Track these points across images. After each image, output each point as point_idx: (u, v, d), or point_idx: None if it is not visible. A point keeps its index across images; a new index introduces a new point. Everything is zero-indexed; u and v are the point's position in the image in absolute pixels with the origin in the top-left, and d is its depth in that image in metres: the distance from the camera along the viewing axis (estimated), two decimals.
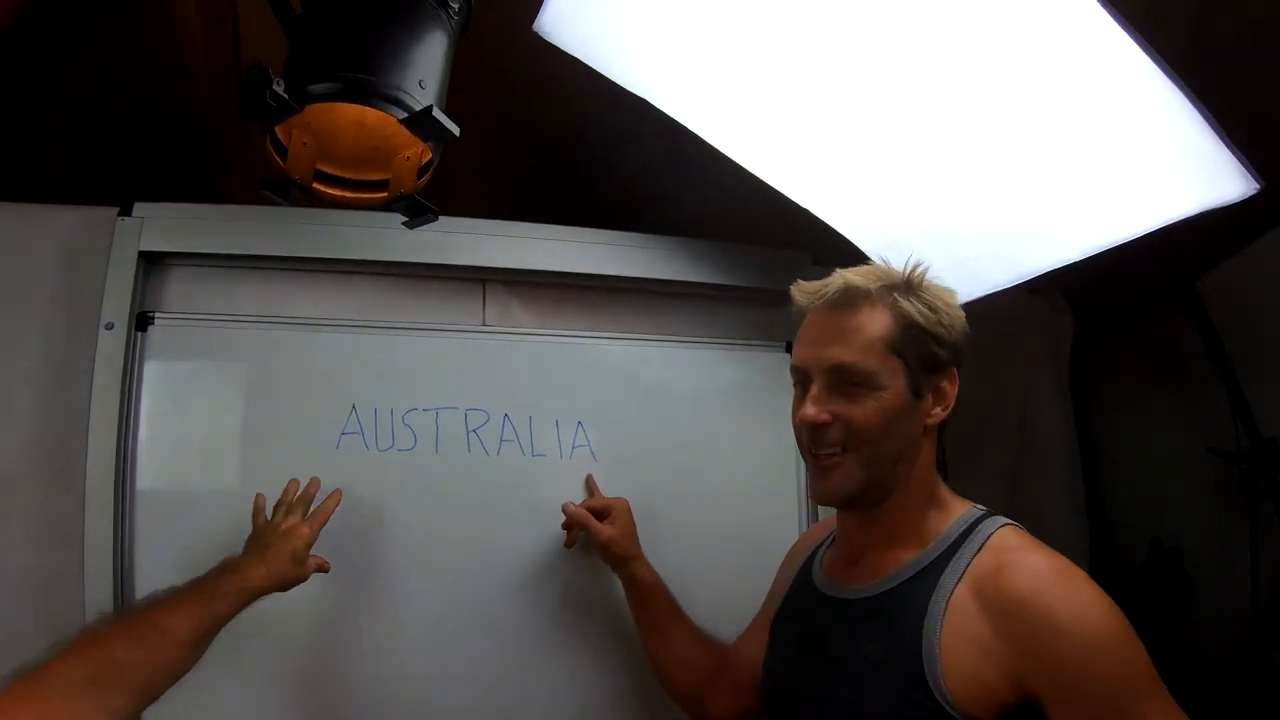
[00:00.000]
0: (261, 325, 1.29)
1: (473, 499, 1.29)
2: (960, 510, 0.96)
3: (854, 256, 1.31)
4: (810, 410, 0.93)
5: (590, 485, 1.34)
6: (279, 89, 0.77)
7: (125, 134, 1.49)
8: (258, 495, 1.18)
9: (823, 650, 0.97)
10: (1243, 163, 0.98)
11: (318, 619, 1.22)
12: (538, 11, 0.98)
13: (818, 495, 0.97)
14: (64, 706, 0.89)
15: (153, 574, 1.19)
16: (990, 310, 1.30)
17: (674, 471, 1.37)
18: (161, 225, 1.26)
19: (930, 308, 0.94)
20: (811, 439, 0.94)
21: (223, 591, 1.03)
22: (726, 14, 0.94)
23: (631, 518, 1.28)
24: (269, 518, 1.15)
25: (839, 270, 0.98)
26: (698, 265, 1.41)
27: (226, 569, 1.07)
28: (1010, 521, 0.94)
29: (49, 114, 1.47)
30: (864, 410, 0.91)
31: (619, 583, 1.27)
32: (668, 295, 1.44)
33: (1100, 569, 1.85)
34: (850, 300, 0.94)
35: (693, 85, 1.07)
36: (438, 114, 0.80)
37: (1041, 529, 1.71)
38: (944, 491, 0.98)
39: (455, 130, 0.82)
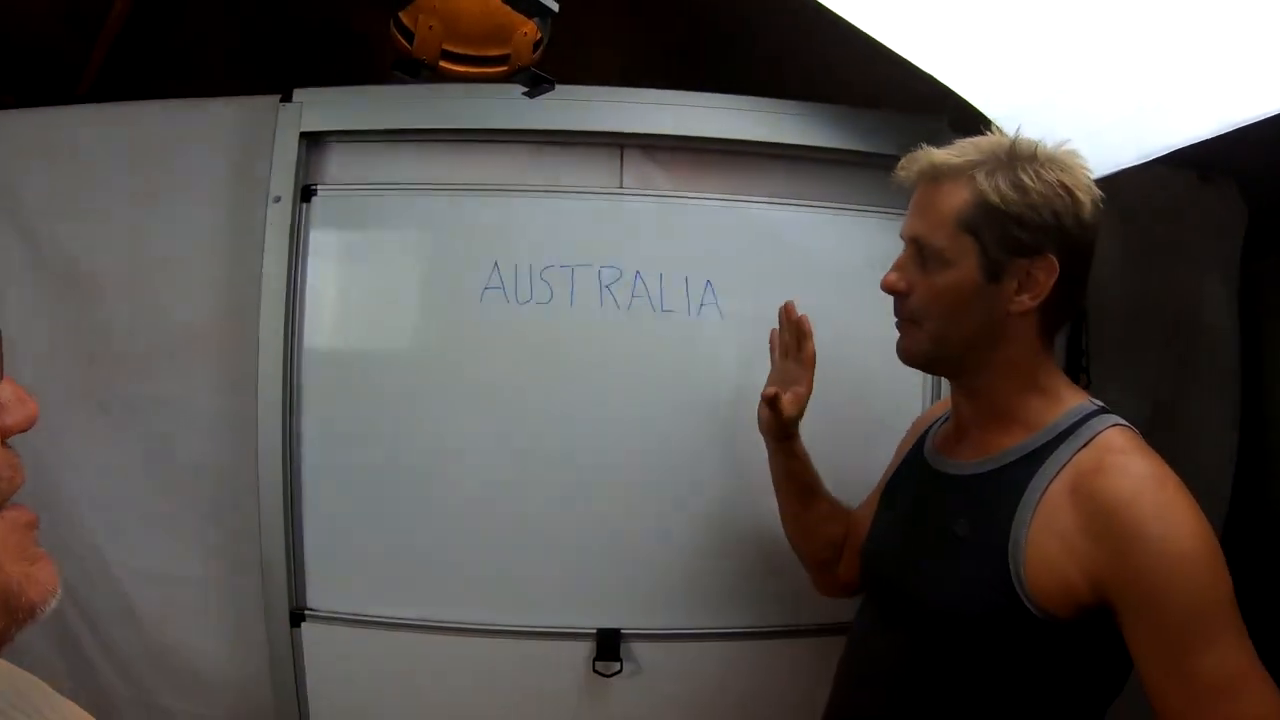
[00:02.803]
0: (411, 192, 1.39)
1: (602, 351, 1.36)
2: (1073, 402, 0.92)
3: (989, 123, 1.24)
4: (888, 275, 0.96)
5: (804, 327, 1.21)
6: None
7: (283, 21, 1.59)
8: None
9: (920, 520, 0.99)
10: None
11: (478, 458, 1.36)
12: None
13: (898, 351, 0.99)
14: None
15: (318, 416, 1.35)
16: (1150, 198, 1.19)
17: None
18: (319, 108, 1.38)
19: (1018, 188, 0.87)
20: (894, 302, 0.98)
21: None
22: None
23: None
24: None
25: (928, 148, 0.95)
26: (832, 130, 1.39)
27: None
28: (1121, 421, 0.89)
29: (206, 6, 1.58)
30: (928, 285, 0.93)
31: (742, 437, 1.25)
32: (802, 160, 1.42)
33: (1246, 496, 1.70)
34: (934, 175, 0.93)
35: None
36: None
37: (1186, 444, 1.54)
38: (1055, 380, 0.94)
39: (554, 6, 0.87)
